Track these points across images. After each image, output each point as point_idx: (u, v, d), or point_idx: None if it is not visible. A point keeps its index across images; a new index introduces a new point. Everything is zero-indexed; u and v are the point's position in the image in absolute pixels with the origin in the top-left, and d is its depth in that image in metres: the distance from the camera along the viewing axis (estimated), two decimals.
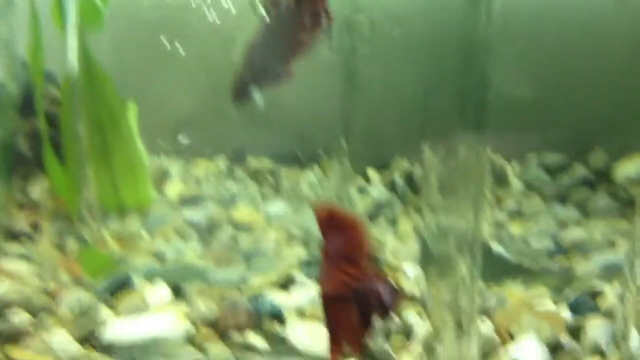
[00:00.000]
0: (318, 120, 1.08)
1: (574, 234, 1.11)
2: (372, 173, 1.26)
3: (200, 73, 1.00)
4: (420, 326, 0.81)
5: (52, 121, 1.06)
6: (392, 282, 0.59)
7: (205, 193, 1.18)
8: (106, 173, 1.06)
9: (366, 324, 0.58)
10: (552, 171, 1.26)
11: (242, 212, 1.15)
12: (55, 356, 0.74)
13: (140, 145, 1.09)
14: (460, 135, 0.66)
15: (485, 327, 0.85)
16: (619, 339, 0.69)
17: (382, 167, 1.28)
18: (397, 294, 0.59)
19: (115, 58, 1.06)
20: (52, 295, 0.87)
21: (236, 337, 0.79)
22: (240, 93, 0.71)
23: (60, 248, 1.00)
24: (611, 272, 1.01)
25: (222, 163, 1.28)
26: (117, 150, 1.07)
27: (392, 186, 1.20)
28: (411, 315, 0.82)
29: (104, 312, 0.83)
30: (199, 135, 1.16)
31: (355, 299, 0.57)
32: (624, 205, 1.17)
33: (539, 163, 1.27)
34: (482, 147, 0.67)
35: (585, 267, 1.03)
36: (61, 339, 0.76)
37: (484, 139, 0.67)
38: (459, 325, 0.67)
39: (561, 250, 1.09)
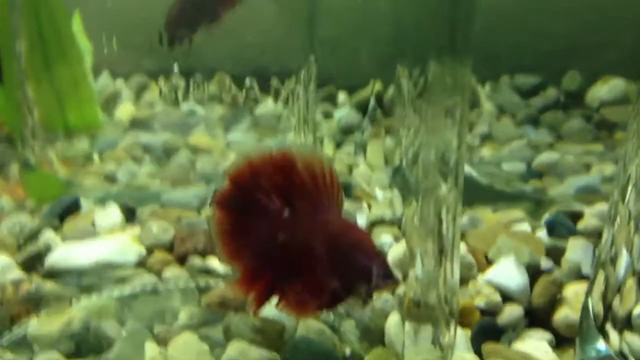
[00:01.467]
0: (284, 42, 1.01)
1: (548, 157, 1.07)
2: (342, 96, 1.19)
3: None
4: (394, 248, 0.76)
5: None
6: (387, 263, 0.52)
7: (161, 116, 1.10)
8: (49, 92, 0.97)
9: (338, 296, 0.52)
10: (525, 94, 1.21)
11: (201, 138, 1.08)
12: None
13: (86, 63, 1.00)
14: (440, 56, 0.61)
15: (460, 249, 0.80)
16: (604, 261, 0.65)
17: (354, 89, 1.21)
18: (389, 279, 0.52)
19: None
20: None
21: (194, 260, 0.73)
22: (172, 36, 0.74)
23: (2, 172, 0.92)
24: (586, 194, 0.98)
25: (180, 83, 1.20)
26: (61, 68, 0.98)
27: (362, 108, 1.14)
28: (384, 237, 0.77)
29: (50, 236, 0.76)
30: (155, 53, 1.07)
31: (341, 268, 0.51)
32: (598, 128, 1.13)
33: (512, 85, 1.22)
34: (464, 67, 0.62)
35: (560, 189, 1.00)
36: (2, 264, 0.70)
37: (467, 59, 0.61)
38: (440, 252, 0.62)
39: (535, 173, 1.05)
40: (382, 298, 0.67)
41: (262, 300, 0.53)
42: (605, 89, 1.18)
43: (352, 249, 0.51)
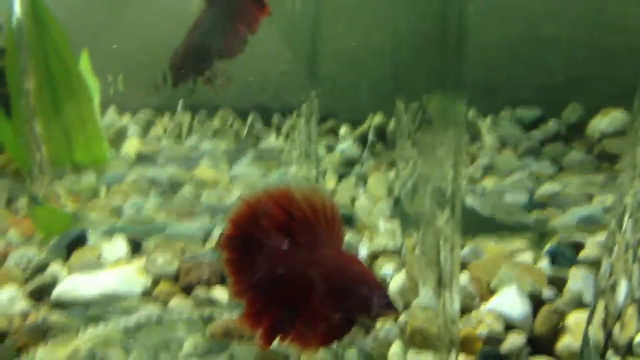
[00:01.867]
0: (285, 78, 1.03)
1: (549, 188, 1.08)
2: (344, 130, 1.21)
3: (160, 19, 0.94)
4: (396, 279, 0.76)
5: None
6: (387, 294, 0.53)
7: (166, 151, 1.12)
8: (57, 128, 0.99)
9: (342, 328, 0.53)
10: (526, 126, 1.22)
11: (205, 171, 1.09)
12: (3, 314, 0.69)
13: (94, 100, 1.02)
14: (437, 90, 0.62)
15: (462, 279, 0.81)
16: (604, 290, 0.66)
17: (355, 123, 1.23)
18: (390, 309, 0.53)
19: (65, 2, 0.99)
20: (1, 254, 0.81)
21: (199, 291, 0.74)
22: (178, 74, 0.74)
23: (11, 206, 0.94)
24: (588, 224, 0.99)
25: (185, 119, 1.22)
26: (69, 105, 1.00)
27: (364, 142, 1.16)
28: (385, 268, 0.78)
29: (57, 268, 0.77)
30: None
31: (343, 300, 0.52)
32: (599, 159, 1.14)
33: (513, 118, 1.24)
34: (459, 101, 0.63)
35: (562, 220, 1.00)
36: (10, 296, 0.71)
37: (461, 94, 0.63)
38: (439, 282, 0.63)
39: (537, 204, 1.05)
40: (384, 327, 0.68)
41: (270, 336, 0.54)
42: (605, 121, 1.20)
43: (353, 281, 0.52)
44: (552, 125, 1.22)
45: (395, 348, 0.64)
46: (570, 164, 1.13)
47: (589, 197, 1.06)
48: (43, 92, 0.97)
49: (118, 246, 0.82)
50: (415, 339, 0.62)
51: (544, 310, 0.75)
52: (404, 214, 0.68)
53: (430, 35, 0.62)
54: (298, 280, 0.53)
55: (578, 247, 0.89)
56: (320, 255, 0.53)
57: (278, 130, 1.14)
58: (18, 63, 0.93)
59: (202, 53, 0.77)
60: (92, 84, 1.01)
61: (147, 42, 0.99)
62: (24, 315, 0.69)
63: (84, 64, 1.03)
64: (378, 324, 0.67)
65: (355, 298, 0.52)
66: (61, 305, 0.71)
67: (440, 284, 0.62)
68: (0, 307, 0.69)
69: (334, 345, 0.67)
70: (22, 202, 0.94)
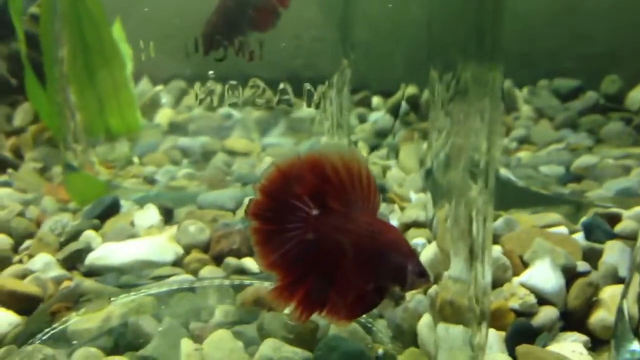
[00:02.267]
0: (318, 47, 1.02)
1: (586, 160, 1.06)
2: (376, 100, 1.19)
3: None
4: (426, 251, 0.76)
5: (33, 42, 1.00)
6: (422, 264, 0.52)
7: (198, 120, 1.12)
8: (91, 96, 1.00)
9: (375, 298, 0.52)
10: (564, 97, 1.19)
11: (237, 141, 1.09)
12: (37, 279, 0.70)
13: (127, 67, 1.02)
14: (472, 59, 0.61)
15: (495, 252, 0.80)
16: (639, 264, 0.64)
17: (388, 94, 1.21)
18: (424, 278, 0.51)
19: None
20: (36, 221, 0.82)
21: (229, 260, 0.74)
22: (209, 44, 0.76)
23: (45, 174, 0.95)
24: (625, 197, 0.97)
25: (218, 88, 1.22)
26: (102, 73, 1.00)
27: (396, 112, 1.14)
28: (417, 239, 0.77)
29: (90, 235, 0.78)
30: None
31: (376, 267, 0.51)
32: (638, 131, 1.11)
33: (550, 89, 1.21)
34: (495, 71, 0.62)
35: (599, 192, 0.99)
36: (44, 262, 0.72)
37: (498, 63, 0.61)
38: (471, 253, 0.62)
39: (573, 176, 1.04)
40: (415, 299, 0.67)
41: (305, 309, 0.52)
42: None
43: (387, 248, 0.51)
44: (590, 96, 1.19)
45: (426, 320, 0.64)
46: (608, 136, 1.11)
47: (627, 170, 1.03)
48: (77, 59, 0.97)
49: (150, 214, 0.82)
50: (446, 311, 0.62)
51: (578, 284, 0.74)
52: (436, 185, 0.67)
53: (467, 2, 0.61)
54: (331, 248, 0.52)
55: (614, 219, 0.87)
56: (354, 221, 0.52)
57: (309, 99, 1.13)
58: (52, 30, 0.93)
59: (233, 22, 0.76)
60: (126, 51, 1.01)
61: (180, 7, 0.99)
62: (58, 281, 0.70)
63: (117, 31, 1.03)
64: (408, 295, 0.67)
65: (389, 266, 0.51)
66: (94, 272, 0.72)
67: (472, 256, 0.62)
68: (34, 273, 0.70)
69: (364, 316, 0.67)
70: (56, 170, 0.95)
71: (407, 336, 0.65)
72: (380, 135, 1.13)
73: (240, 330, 0.64)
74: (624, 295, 0.64)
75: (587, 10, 1.19)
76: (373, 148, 1.11)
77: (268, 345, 0.61)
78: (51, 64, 0.95)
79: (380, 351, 0.64)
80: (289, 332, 0.63)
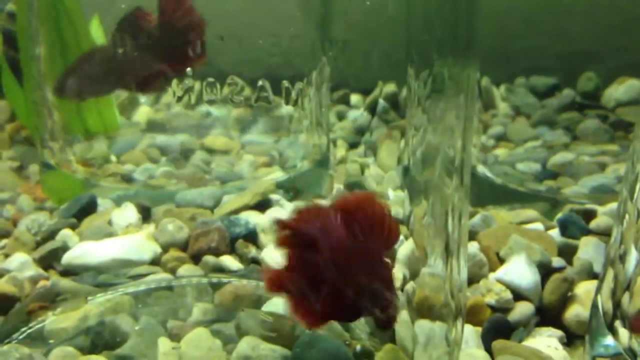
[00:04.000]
0: (297, 45, 1.02)
1: (562, 157, 1.07)
2: (355, 97, 1.20)
3: None
4: (404, 247, 0.76)
5: (10, 40, 0.99)
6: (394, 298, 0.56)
7: (177, 118, 1.12)
8: None
9: (353, 312, 0.55)
10: (541, 95, 1.20)
11: (216, 139, 1.09)
12: (14, 279, 0.69)
13: None
14: (448, 56, 0.61)
15: (472, 248, 0.81)
16: (613, 259, 0.65)
17: (367, 92, 1.22)
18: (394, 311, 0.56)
19: None
20: (12, 220, 0.82)
21: (207, 258, 0.74)
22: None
23: (22, 172, 0.94)
24: (601, 194, 0.98)
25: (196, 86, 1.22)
26: None
27: (374, 110, 1.15)
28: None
29: (67, 234, 0.77)
30: None
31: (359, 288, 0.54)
32: (614, 128, 1.12)
33: (527, 86, 1.22)
34: (471, 68, 0.62)
35: (575, 189, 1.00)
36: (20, 261, 0.71)
37: (473, 60, 0.62)
38: (446, 250, 0.63)
39: (549, 173, 1.05)
40: None
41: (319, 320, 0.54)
42: (621, 90, 1.18)
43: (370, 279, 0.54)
44: (567, 93, 1.20)
45: (403, 316, 0.64)
46: (584, 133, 1.12)
47: (602, 166, 1.05)
48: (54, 57, 0.97)
49: (128, 213, 0.82)
50: (423, 307, 0.62)
51: (553, 280, 0.75)
52: (413, 182, 0.67)
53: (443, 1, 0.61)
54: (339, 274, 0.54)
55: (590, 216, 0.89)
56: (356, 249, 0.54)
57: (288, 97, 1.13)
58: (29, 28, 0.93)
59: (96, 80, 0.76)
60: None
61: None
62: (34, 281, 0.70)
63: (95, 29, 1.03)
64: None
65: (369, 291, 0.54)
66: (71, 271, 0.72)
67: (448, 252, 0.62)
68: (10, 272, 0.70)
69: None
70: (33, 168, 0.94)
71: (384, 333, 0.65)
72: (359, 133, 1.13)
73: (219, 329, 0.64)
74: (598, 290, 0.65)
75: (564, 9, 1.20)
76: (352, 146, 1.12)
77: (246, 343, 0.61)
78: (28, 62, 0.94)
79: (359, 347, 0.65)
80: (267, 330, 0.63)
